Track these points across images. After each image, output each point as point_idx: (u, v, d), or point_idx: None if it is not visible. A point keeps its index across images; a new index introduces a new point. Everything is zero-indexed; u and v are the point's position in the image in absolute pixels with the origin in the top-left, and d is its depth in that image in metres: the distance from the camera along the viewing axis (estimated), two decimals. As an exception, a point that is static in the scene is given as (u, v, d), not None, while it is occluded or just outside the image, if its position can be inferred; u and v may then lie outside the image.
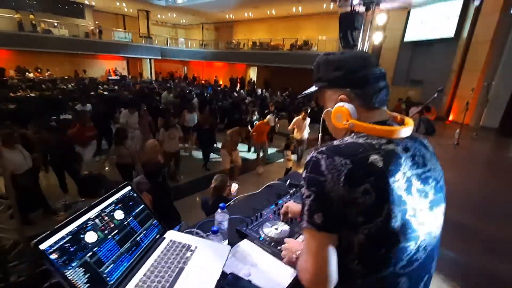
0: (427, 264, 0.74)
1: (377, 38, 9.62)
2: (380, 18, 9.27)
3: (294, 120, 6.39)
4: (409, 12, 12.42)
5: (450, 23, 10.64)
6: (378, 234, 0.65)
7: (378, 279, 0.68)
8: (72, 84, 13.00)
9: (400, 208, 0.65)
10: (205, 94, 11.75)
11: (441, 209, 0.77)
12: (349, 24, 8.23)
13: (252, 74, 20.40)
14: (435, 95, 2.15)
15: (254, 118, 7.13)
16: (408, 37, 12.66)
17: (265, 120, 6.01)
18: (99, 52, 17.27)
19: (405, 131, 0.73)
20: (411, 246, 0.68)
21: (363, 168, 0.64)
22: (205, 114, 6.95)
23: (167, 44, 20.95)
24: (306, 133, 6.48)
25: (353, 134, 0.75)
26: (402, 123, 0.81)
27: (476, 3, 8.38)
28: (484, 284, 2.52)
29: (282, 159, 6.55)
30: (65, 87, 12.19)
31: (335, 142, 0.73)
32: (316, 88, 0.86)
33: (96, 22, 18.42)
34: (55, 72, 15.55)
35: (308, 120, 6.46)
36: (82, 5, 17.60)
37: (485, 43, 9.09)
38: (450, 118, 10.42)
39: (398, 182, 0.65)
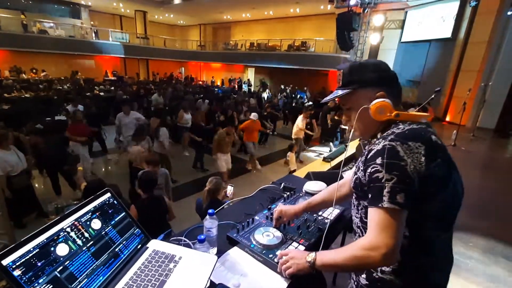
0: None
1: (374, 38, 9.63)
2: (377, 19, 9.28)
3: (300, 120, 6.65)
4: (406, 13, 12.43)
5: (447, 24, 10.65)
6: (451, 197, 0.81)
7: (449, 238, 0.89)
8: (68, 85, 12.88)
9: (457, 172, 0.84)
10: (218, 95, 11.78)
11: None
12: (347, 25, 8.23)
13: (250, 75, 20.35)
14: (433, 96, 2.12)
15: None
16: (405, 38, 12.66)
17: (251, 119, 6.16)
18: (95, 53, 17.15)
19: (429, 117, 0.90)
20: (459, 202, 0.86)
21: (432, 147, 0.78)
22: (198, 114, 6.87)
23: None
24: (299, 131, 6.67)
25: (399, 123, 0.86)
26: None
27: (473, 4, 8.38)
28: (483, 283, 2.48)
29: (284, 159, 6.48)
30: (60, 87, 12.07)
31: (396, 131, 0.82)
32: (349, 90, 0.94)
33: (91, 23, 18.31)
34: (51, 73, 15.39)
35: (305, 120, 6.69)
36: (79, 5, 17.49)
37: (481, 43, 9.10)
38: (447, 119, 10.42)
39: (449, 154, 0.83)
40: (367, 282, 0.90)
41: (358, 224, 0.96)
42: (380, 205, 0.75)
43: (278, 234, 1.24)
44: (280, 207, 1.30)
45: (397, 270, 0.83)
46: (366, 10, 8.44)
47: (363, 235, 0.88)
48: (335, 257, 0.85)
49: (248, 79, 19.59)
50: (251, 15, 18.50)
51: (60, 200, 3.87)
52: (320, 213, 1.48)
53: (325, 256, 0.88)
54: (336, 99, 1.01)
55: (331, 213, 1.46)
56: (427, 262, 0.84)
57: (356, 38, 8.82)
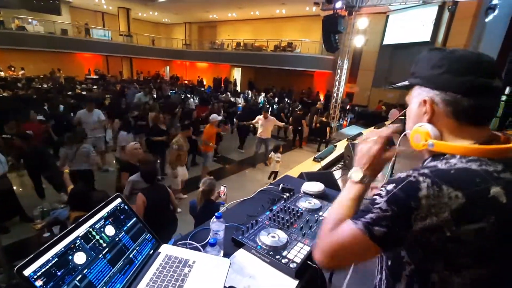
0: None
1: (358, 41, 9.88)
2: (361, 22, 9.53)
3: (257, 118, 6.47)
4: (387, 17, 12.84)
5: (426, 28, 11.11)
6: (488, 280, 0.59)
7: None
8: (49, 84, 12.35)
9: None
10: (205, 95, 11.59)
11: None
12: (332, 27, 8.38)
13: (237, 74, 20.31)
14: None
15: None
16: (387, 41, 13.08)
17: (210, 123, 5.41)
18: (76, 50, 16.53)
19: None
20: None
21: (483, 203, 0.56)
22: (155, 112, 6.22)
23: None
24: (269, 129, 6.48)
25: (457, 157, 0.62)
26: (507, 142, 0.65)
27: (451, 9, 8.77)
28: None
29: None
30: (40, 86, 11.55)
31: (440, 165, 0.62)
32: (407, 83, 0.76)
33: (76, 22, 17.66)
34: (30, 71, 14.71)
35: (271, 119, 6.49)
36: (58, 1, 16.78)
37: (459, 47, 9.56)
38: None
39: None
40: None
41: None
42: (355, 220, 0.64)
43: (284, 235, 1.27)
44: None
45: None
46: (351, 13, 8.64)
47: None
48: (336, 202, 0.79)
49: (235, 79, 19.52)
50: (237, 14, 18.46)
51: (45, 203, 3.72)
52: (320, 213, 1.52)
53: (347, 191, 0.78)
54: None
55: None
56: None
57: (341, 40, 9.01)
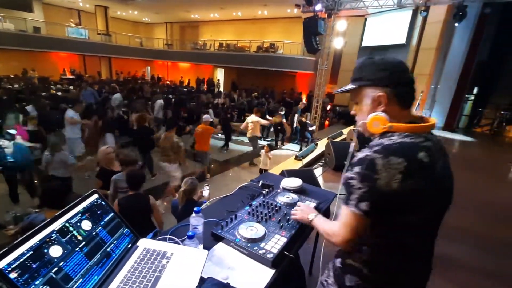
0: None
1: (338, 43, 10.16)
2: (340, 25, 9.82)
3: (251, 119, 6.43)
4: (365, 19, 13.29)
5: (401, 31, 11.60)
6: (430, 212, 0.84)
7: (424, 246, 0.92)
8: (22, 84, 11.73)
9: (444, 190, 0.86)
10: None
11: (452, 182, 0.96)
12: (313, 29, 8.56)
13: (219, 75, 20.23)
14: (419, 98, 2.32)
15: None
16: (365, 43, 13.52)
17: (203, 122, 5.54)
18: (50, 49, 15.82)
19: (431, 126, 0.89)
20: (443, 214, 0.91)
21: (415, 164, 0.78)
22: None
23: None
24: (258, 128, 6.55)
25: (396, 134, 0.86)
26: (421, 120, 0.93)
27: (423, 14, 9.23)
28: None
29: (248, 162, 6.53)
30: (10, 86, 10.96)
31: (385, 141, 0.84)
32: (355, 86, 0.95)
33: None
34: (-1, 70, 13.93)
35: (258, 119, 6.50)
36: (29, -3, 16.00)
37: (431, 50, 10.05)
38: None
39: (439, 171, 0.83)
40: (340, 265, 1.03)
41: None
42: (347, 206, 0.86)
43: (261, 228, 1.31)
44: (294, 215, 1.35)
45: (367, 262, 0.92)
46: (331, 16, 8.88)
47: None
48: (320, 226, 1.08)
49: (218, 80, 19.44)
50: (220, 15, 18.41)
51: (18, 208, 3.55)
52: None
53: (318, 221, 1.12)
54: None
55: (307, 206, 1.57)
56: (399, 265, 0.90)
57: (322, 42, 9.22)
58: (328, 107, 11.53)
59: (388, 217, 0.83)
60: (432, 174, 0.81)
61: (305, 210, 1.26)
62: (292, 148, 8.10)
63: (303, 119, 7.93)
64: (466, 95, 10.19)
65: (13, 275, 0.61)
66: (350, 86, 0.97)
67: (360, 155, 0.85)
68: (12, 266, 0.62)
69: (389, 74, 0.88)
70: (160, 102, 8.29)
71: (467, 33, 9.01)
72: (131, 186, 2.68)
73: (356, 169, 0.83)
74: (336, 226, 0.93)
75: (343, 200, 0.90)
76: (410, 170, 0.77)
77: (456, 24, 7.57)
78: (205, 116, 5.54)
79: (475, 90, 10.74)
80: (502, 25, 9.27)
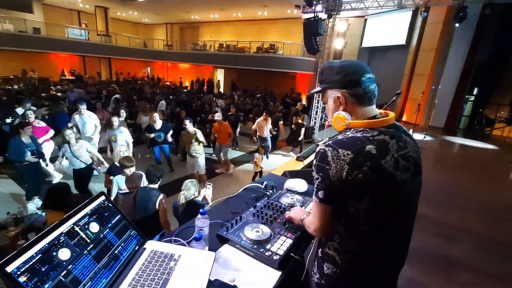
0: (412, 219, 1.04)
1: (338, 43, 10.18)
2: (341, 25, 9.84)
3: (257, 121, 6.76)
4: (366, 20, 13.31)
5: (402, 32, 11.62)
6: (379, 204, 0.88)
7: (380, 235, 0.94)
8: (21, 85, 11.71)
9: (394, 183, 0.89)
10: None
11: (419, 179, 1.03)
12: (313, 30, 8.57)
13: (219, 76, 20.23)
14: (394, 98, 2.32)
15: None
16: (365, 43, 13.55)
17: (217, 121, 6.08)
18: (50, 50, 15.80)
19: (388, 121, 0.95)
20: (403, 207, 0.95)
21: (362, 156, 0.84)
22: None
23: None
24: (267, 132, 6.79)
25: (352, 129, 0.94)
26: (385, 116, 1.01)
27: (423, 14, 9.25)
28: (433, 264, 2.78)
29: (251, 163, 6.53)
30: (10, 87, 10.94)
31: (339, 137, 0.92)
32: (320, 88, 1.06)
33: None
34: (-2, 71, 13.92)
35: (269, 120, 6.78)
36: (29, -3, 16.00)
37: (431, 50, 10.07)
38: (404, 119, 11.36)
39: (388, 163, 0.87)
40: (321, 255, 1.11)
41: None
42: (313, 195, 0.96)
43: (267, 229, 1.31)
44: (288, 214, 1.42)
45: (338, 250, 1.00)
46: (331, 17, 8.88)
47: None
48: (305, 222, 1.15)
49: (218, 80, 19.44)
50: (220, 16, 18.42)
51: (19, 209, 3.54)
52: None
53: (306, 220, 1.16)
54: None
55: (301, 208, 1.57)
56: (361, 252, 0.97)
57: (322, 43, 9.23)
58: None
59: (341, 205, 0.91)
60: (378, 165, 0.85)
61: (299, 211, 1.32)
62: (282, 153, 8.03)
63: (300, 121, 7.79)
64: (466, 96, 10.19)
65: (22, 279, 0.60)
66: (317, 89, 1.09)
67: (317, 149, 0.94)
68: (21, 270, 0.61)
69: (342, 76, 0.96)
70: (162, 103, 8.31)
71: (468, 34, 9.02)
72: (152, 181, 2.96)
73: (314, 161, 0.93)
74: (309, 217, 1.07)
75: None
76: (356, 161, 0.83)
77: (457, 25, 7.58)
78: (217, 115, 6.15)
79: (475, 91, 10.75)
80: (502, 25, 9.28)
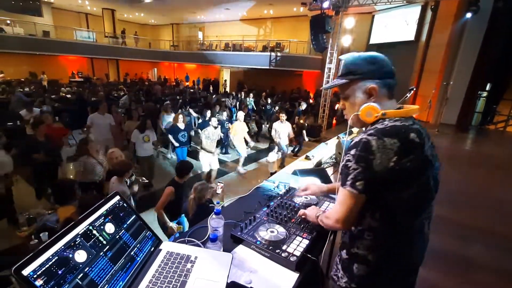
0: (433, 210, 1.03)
1: (346, 40, 10.04)
2: (348, 22, 9.68)
3: (274, 126, 6.33)
4: (373, 17, 13.10)
5: (410, 27, 11.39)
6: (422, 191, 0.89)
7: (421, 224, 0.97)
8: (32, 87, 11.93)
9: (432, 169, 0.91)
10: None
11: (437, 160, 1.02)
12: (320, 27, 8.48)
13: (226, 75, 20.22)
14: (408, 95, 2.25)
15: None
16: (373, 40, 13.34)
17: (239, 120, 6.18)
18: (59, 53, 16.07)
19: (415, 111, 0.97)
20: (435, 191, 0.96)
21: (409, 144, 0.84)
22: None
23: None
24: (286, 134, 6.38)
25: (388, 119, 0.92)
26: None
27: (433, 9, 9.04)
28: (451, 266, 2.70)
29: (265, 159, 6.49)
30: (21, 90, 11.15)
31: (379, 126, 0.90)
32: (347, 80, 1.00)
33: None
34: (9, 74, 14.18)
35: (286, 122, 6.40)
36: (39, 1, 16.26)
37: (441, 46, 9.83)
38: (414, 116, 11.13)
39: (427, 151, 0.89)
40: (347, 256, 1.04)
41: None
42: (344, 186, 0.91)
43: (282, 230, 1.27)
44: (308, 183, 1.51)
45: (370, 247, 0.96)
46: (338, 13, 8.76)
47: None
48: (320, 218, 1.14)
49: (225, 80, 19.43)
50: (225, 16, 18.40)
51: (31, 210, 3.58)
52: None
53: (324, 214, 1.14)
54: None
55: (327, 207, 1.52)
56: (399, 243, 0.95)
57: (329, 40, 9.12)
58: (337, 106, 11.37)
59: (381, 195, 0.88)
60: (422, 153, 0.87)
61: (312, 209, 1.32)
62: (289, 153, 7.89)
63: (301, 121, 7.39)
64: (479, 92, 9.91)
65: (39, 283, 0.58)
66: (341, 81, 1.02)
67: (355, 139, 0.91)
68: (38, 273, 0.59)
69: (377, 67, 0.96)
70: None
71: (480, 28, 8.77)
72: (182, 175, 3.31)
73: (352, 151, 0.89)
74: (333, 209, 1.01)
75: (340, 183, 0.95)
76: (404, 149, 0.82)
77: (468, 18, 7.36)
78: (239, 114, 6.33)
79: (488, 86, 10.44)
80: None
